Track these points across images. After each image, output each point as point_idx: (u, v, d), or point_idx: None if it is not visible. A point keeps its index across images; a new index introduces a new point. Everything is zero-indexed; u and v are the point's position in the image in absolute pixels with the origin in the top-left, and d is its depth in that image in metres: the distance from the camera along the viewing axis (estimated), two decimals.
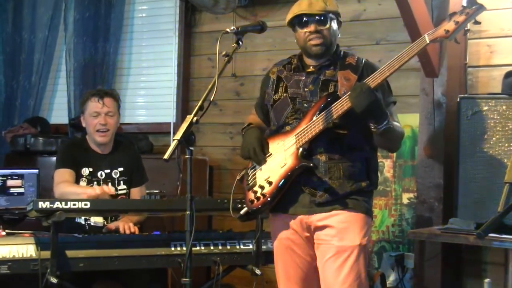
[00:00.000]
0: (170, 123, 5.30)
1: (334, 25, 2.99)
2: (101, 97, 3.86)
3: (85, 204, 3.21)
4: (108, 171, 3.87)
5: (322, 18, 2.94)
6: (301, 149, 2.87)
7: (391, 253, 4.35)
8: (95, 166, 3.85)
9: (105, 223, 3.81)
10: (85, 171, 3.83)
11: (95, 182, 3.82)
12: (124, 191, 3.90)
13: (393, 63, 2.73)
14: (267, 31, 3.01)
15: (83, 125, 3.94)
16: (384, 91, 2.93)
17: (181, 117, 5.24)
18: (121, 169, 3.91)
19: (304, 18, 2.96)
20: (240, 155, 3.07)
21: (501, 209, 3.22)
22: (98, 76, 5.59)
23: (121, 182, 3.91)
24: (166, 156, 2.51)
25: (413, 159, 4.33)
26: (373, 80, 2.75)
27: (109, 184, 3.79)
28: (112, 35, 5.60)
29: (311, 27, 2.95)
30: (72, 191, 3.62)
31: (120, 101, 4.00)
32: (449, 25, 2.69)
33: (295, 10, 2.99)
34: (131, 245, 3.35)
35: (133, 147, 4.18)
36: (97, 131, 3.84)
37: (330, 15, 2.96)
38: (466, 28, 2.75)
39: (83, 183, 3.82)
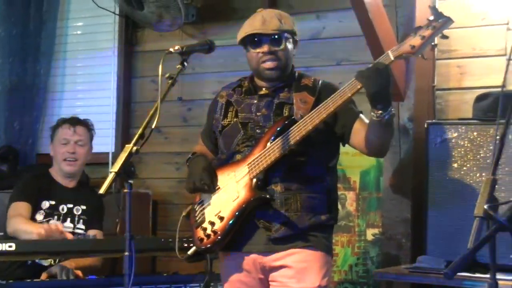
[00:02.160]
0: (108, 153, 5.30)
1: (290, 45, 3.04)
2: (73, 124, 4.06)
3: (10, 246, 3.21)
4: (71, 206, 4.02)
5: (276, 37, 2.99)
6: (255, 180, 2.90)
7: None
8: (58, 199, 3.99)
9: (52, 262, 3.84)
10: (45, 204, 3.96)
11: (56, 217, 3.95)
12: (81, 231, 4.00)
13: (354, 84, 2.76)
14: (218, 50, 3.06)
15: (51, 154, 4.08)
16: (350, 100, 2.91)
17: (120, 146, 5.22)
18: (83, 207, 4.05)
19: (257, 38, 3.00)
20: (185, 189, 3.08)
21: (471, 245, 3.29)
22: (27, 101, 5.57)
23: (81, 221, 4.04)
24: (102, 190, 2.51)
25: (378, 191, 4.37)
26: (339, 97, 2.78)
27: (68, 220, 3.95)
28: (43, 55, 5.59)
29: (265, 48, 2.99)
30: (24, 229, 3.71)
31: (94, 132, 4.16)
32: (415, 40, 2.73)
33: (247, 28, 3.02)
34: None
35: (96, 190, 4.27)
36: (65, 160, 4.00)
37: (285, 34, 3.01)
38: (433, 43, 2.79)
39: (39, 216, 3.92)
